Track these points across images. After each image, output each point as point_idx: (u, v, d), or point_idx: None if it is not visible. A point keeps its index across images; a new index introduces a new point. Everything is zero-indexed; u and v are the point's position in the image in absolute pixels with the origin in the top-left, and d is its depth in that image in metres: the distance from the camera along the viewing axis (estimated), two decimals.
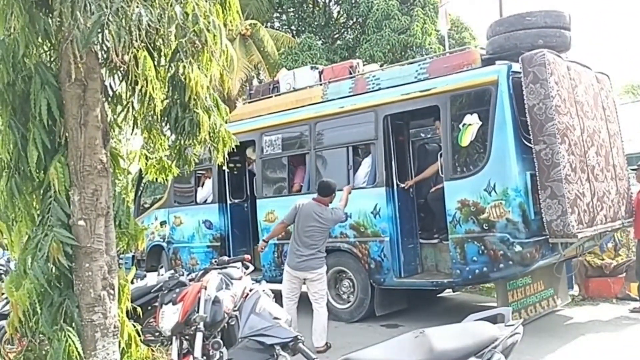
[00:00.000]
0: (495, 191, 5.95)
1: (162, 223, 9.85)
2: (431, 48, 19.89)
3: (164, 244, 9.79)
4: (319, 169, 7.69)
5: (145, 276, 9.39)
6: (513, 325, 2.84)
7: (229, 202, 8.99)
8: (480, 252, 6.08)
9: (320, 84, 8.14)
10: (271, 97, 8.77)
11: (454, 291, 8.19)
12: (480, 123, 6.13)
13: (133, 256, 10.51)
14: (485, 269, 6.10)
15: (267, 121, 8.38)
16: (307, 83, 8.37)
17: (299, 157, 8.22)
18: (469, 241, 6.15)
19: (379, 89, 7.37)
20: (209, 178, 9.17)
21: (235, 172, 9.21)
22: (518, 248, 5.79)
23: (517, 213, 5.85)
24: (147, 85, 3.43)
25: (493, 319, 3.52)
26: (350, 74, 8.05)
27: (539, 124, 5.75)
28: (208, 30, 3.57)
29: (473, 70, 6.58)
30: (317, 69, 8.66)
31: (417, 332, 2.79)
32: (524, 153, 5.96)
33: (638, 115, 16.04)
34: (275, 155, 8.31)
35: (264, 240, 6.71)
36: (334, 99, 7.76)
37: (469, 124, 6.22)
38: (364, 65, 8.81)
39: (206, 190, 9.24)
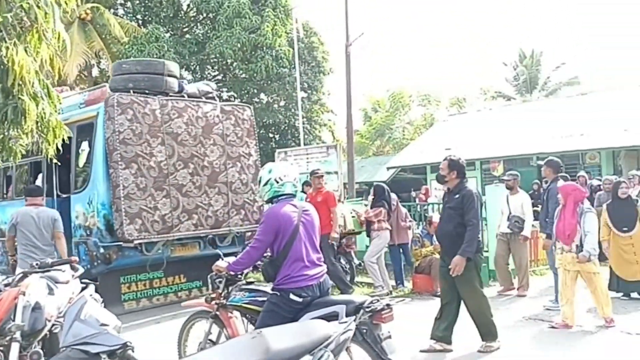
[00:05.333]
0: (92, 204, 7.33)
1: None
2: (281, 49, 20.19)
3: None
4: (23, 178, 8.81)
5: None
6: (346, 322, 2.96)
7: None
8: (86, 252, 7.36)
9: None
10: None
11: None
12: (89, 149, 7.48)
13: None
14: (89, 266, 7.19)
15: None
16: None
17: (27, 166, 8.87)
18: (81, 244, 7.41)
19: (61, 113, 8.01)
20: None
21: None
22: (102, 250, 7.22)
23: (102, 222, 7.25)
24: None
25: (329, 317, 3.66)
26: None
27: (110, 153, 7.16)
28: (38, 7, 3.24)
29: (89, 106, 7.78)
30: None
31: (254, 332, 2.79)
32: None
33: None
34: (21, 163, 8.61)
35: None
36: None
37: (84, 150, 7.59)
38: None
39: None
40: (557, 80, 35.40)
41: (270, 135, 24.00)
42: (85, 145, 7.51)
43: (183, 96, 8.05)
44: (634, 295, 7.26)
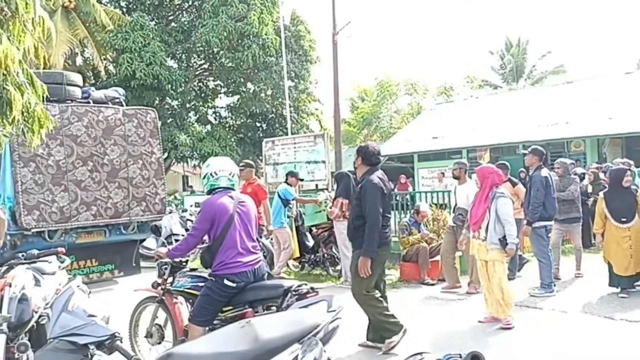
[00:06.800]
0: (2, 197, 8.12)
1: None
2: (267, 38, 20.07)
3: None
4: None
5: None
6: (335, 311, 2.97)
7: None
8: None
9: None
10: None
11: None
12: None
13: None
14: (5, 254, 7.88)
15: None
16: None
17: None
18: None
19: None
20: None
21: None
22: (8, 237, 7.61)
23: (9, 214, 7.92)
24: None
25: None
26: None
27: (12, 153, 7.90)
28: None
29: None
30: None
31: (243, 322, 2.79)
32: None
33: None
34: None
35: None
36: None
37: None
38: None
39: None
40: (543, 68, 35.64)
41: (258, 124, 23.92)
42: None
43: (89, 102, 8.88)
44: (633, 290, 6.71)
